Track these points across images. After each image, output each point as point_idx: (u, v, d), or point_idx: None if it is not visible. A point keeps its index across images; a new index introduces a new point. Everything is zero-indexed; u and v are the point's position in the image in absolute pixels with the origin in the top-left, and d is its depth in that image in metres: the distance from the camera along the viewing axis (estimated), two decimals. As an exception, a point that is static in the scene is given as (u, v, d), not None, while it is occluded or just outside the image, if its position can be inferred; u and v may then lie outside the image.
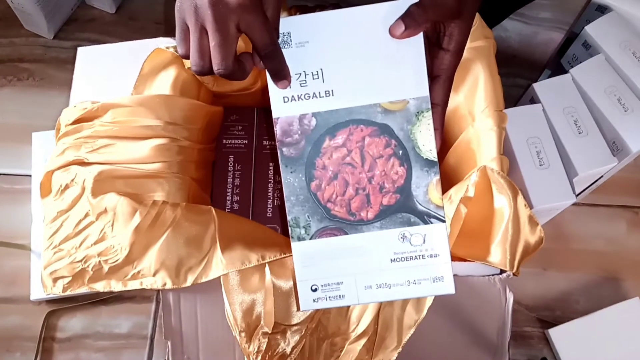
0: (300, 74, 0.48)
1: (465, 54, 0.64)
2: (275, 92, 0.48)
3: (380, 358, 0.53)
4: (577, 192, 0.67)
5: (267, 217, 0.68)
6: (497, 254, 0.54)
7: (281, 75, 0.47)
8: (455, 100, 0.66)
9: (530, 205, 0.65)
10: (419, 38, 0.47)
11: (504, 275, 0.56)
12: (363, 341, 0.53)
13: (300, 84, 0.48)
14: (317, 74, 0.48)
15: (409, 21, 0.46)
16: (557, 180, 0.66)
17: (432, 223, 0.48)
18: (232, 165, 0.70)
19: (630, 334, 0.73)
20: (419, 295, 0.48)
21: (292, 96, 0.48)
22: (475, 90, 0.64)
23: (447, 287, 0.48)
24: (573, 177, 0.67)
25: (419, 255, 0.48)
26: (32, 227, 0.78)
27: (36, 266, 0.76)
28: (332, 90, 0.48)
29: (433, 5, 0.47)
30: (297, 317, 0.53)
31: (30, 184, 0.81)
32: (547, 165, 0.67)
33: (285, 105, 0.48)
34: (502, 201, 0.56)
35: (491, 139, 0.60)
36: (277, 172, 0.70)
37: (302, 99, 0.48)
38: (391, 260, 0.48)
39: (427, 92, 0.48)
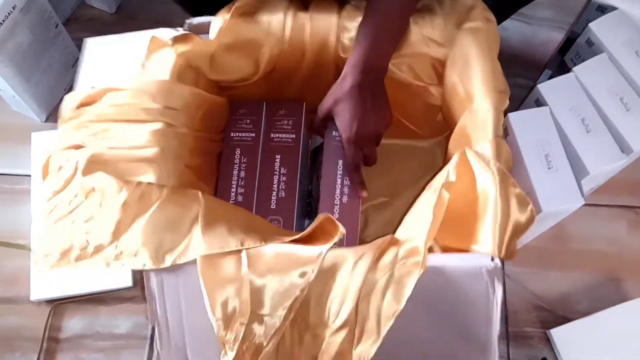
0: None
1: (460, 34, 0.64)
2: None
3: (359, 351, 0.52)
4: (586, 193, 0.67)
5: (270, 209, 0.68)
6: (486, 240, 0.52)
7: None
8: (451, 80, 0.66)
9: (538, 208, 0.65)
10: None
11: (492, 264, 0.53)
12: (343, 333, 0.52)
13: None
14: None
15: None
16: (565, 183, 0.66)
17: None
18: (239, 158, 0.70)
19: (632, 335, 0.73)
20: None
21: None
22: (469, 72, 0.63)
23: None
24: (584, 177, 0.67)
25: None
26: (32, 227, 0.78)
27: (36, 267, 0.76)
28: None
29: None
30: (272, 307, 0.52)
31: (30, 184, 0.81)
32: (556, 169, 0.67)
33: None
34: (485, 181, 0.54)
35: (487, 121, 0.58)
36: (283, 164, 0.70)
37: None
38: None
39: None
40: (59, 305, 0.75)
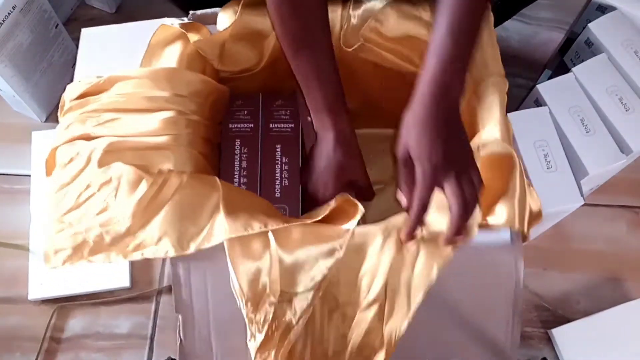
0: None
1: None
2: None
3: (390, 327, 0.52)
4: (586, 193, 0.67)
5: (275, 197, 0.68)
6: (503, 213, 0.52)
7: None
8: None
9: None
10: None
11: (515, 235, 0.54)
12: (374, 308, 0.52)
13: None
14: None
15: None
16: (565, 184, 0.66)
17: None
18: (239, 149, 0.70)
19: (633, 336, 0.73)
20: None
21: None
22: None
23: None
24: (583, 177, 0.67)
25: None
26: (31, 227, 0.78)
27: (34, 266, 0.76)
28: None
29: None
30: (303, 285, 0.52)
31: (29, 184, 0.81)
32: (555, 169, 0.67)
33: None
34: (507, 158, 0.54)
35: (494, 103, 0.59)
36: (284, 153, 0.70)
37: None
38: None
39: None
40: (59, 304, 0.75)
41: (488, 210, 0.54)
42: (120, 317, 0.76)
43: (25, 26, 0.76)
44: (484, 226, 0.53)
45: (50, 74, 0.85)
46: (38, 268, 0.76)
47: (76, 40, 0.88)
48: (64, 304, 0.75)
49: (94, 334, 0.75)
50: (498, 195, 0.54)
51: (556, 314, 0.78)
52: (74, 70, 0.71)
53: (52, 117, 0.88)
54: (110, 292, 0.76)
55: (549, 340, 0.76)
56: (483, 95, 0.61)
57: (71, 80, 0.87)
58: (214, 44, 0.66)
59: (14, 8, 0.73)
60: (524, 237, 0.54)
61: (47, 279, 0.75)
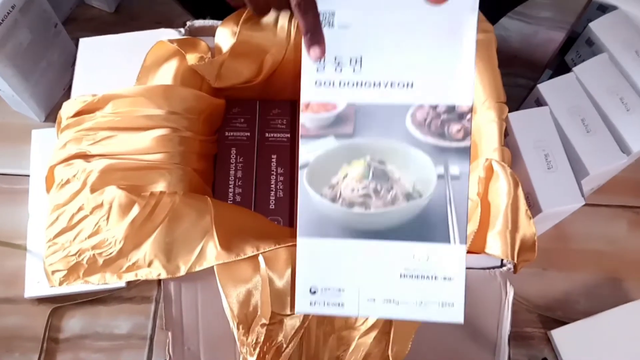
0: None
1: None
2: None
3: (396, 350, 0.53)
4: (586, 193, 0.67)
5: (269, 209, 0.68)
6: (497, 244, 0.53)
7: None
8: None
9: (538, 209, 0.65)
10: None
11: (505, 268, 0.55)
12: (374, 334, 0.52)
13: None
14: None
15: None
16: (565, 184, 0.66)
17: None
18: (235, 158, 0.70)
19: (633, 337, 0.73)
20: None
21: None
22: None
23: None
24: (584, 177, 0.67)
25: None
26: (29, 225, 0.78)
27: (31, 264, 0.76)
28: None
29: None
30: (292, 307, 0.52)
31: (29, 184, 0.80)
32: (556, 169, 0.67)
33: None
34: (502, 190, 0.55)
35: (492, 131, 0.60)
36: (279, 164, 0.70)
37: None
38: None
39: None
40: (57, 303, 0.75)
41: (480, 243, 0.54)
42: (120, 317, 0.76)
43: (25, 26, 0.76)
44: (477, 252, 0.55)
45: (49, 73, 0.85)
46: (35, 266, 0.76)
47: (75, 40, 0.88)
48: (63, 304, 0.75)
49: (93, 335, 0.75)
50: (495, 216, 0.55)
51: (556, 314, 0.78)
52: (73, 69, 0.71)
53: (51, 117, 0.88)
54: (108, 292, 0.76)
55: (549, 341, 0.76)
56: (482, 122, 0.61)
57: (70, 82, 0.87)
58: (213, 66, 0.65)
59: (13, 7, 0.73)
60: (515, 268, 0.54)
61: (43, 277, 0.75)
